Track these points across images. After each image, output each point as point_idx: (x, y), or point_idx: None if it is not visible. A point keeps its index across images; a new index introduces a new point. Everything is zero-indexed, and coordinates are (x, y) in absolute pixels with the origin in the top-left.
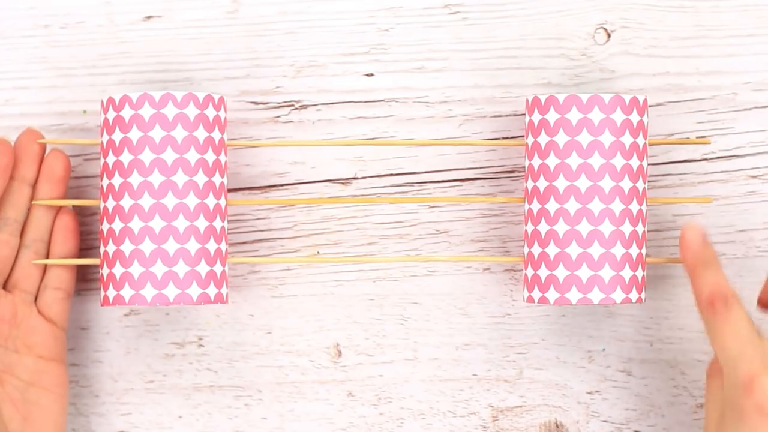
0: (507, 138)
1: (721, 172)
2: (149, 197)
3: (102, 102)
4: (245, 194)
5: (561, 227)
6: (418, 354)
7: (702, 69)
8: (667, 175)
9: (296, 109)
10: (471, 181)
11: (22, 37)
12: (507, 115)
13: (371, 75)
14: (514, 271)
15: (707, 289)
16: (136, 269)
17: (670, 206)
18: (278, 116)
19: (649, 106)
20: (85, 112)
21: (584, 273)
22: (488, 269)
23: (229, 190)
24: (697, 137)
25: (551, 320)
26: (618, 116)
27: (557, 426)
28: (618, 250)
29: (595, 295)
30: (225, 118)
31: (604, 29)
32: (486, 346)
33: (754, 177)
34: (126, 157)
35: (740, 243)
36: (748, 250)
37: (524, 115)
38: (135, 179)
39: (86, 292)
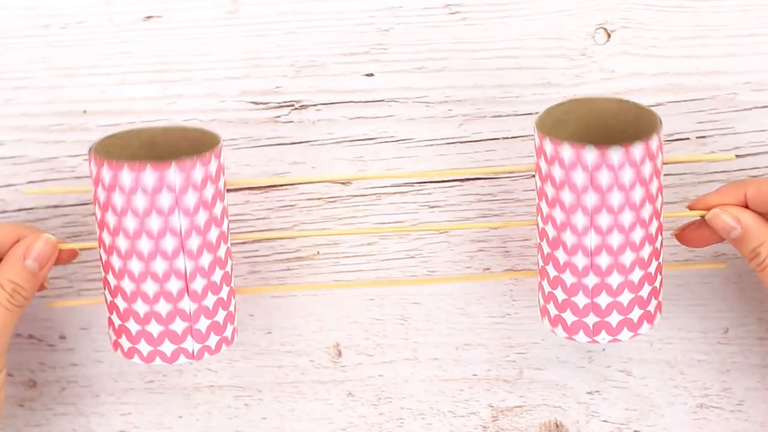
0: (507, 138)
1: (721, 172)
2: (162, 260)
3: (104, 172)
4: (245, 194)
5: (568, 278)
6: (418, 354)
7: (702, 69)
8: (668, 175)
9: (296, 109)
10: (471, 181)
11: (22, 37)
12: (507, 115)
13: (371, 75)
14: (514, 271)
15: None
16: (154, 328)
17: (672, 209)
18: (278, 116)
19: (649, 106)
20: (85, 112)
21: (591, 320)
22: (488, 269)
23: (229, 191)
24: (696, 137)
25: None
26: (626, 173)
27: (557, 426)
28: (625, 297)
29: (603, 338)
30: (222, 162)
31: (604, 29)
32: (486, 346)
33: (754, 177)
34: (131, 222)
35: None
36: None
37: (524, 115)
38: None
39: (86, 292)
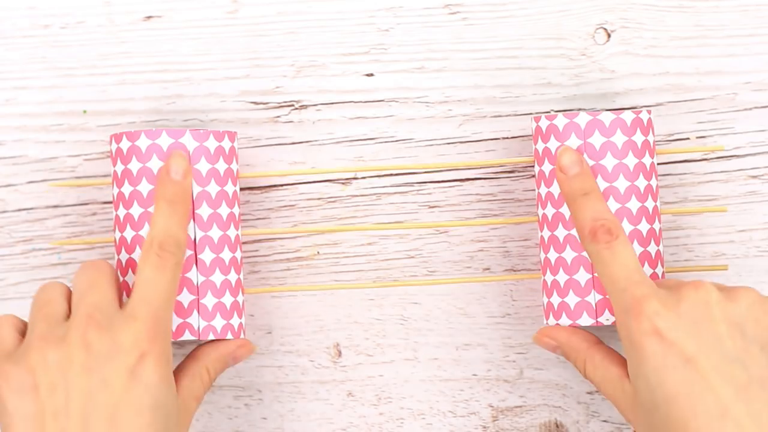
0: (507, 138)
1: (721, 172)
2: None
3: (120, 149)
4: (245, 194)
5: (569, 254)
6: (418, 354)
7: (702, 69)
8: (667, 175)
9: (296, 109)
10: (471, 181)
11: (22, 37)
12: (507, 115)
13: (371, 75)
14: (514, 271)
15: (589, 219)
16: None
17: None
18: (278, 116)
19: (649, 106)
20: (85, 112)
21: (593, 298)
22: (488, 269)
23: None
24: (696, 137)
25: None
26: (619, 138)
27: (557, 426)
28: None
29: (606, 318)
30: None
31: (604, 29)
32: (486, 346)
33: (754, 177)
34: (145, 187)
35: (740, 243)
36: (748, 250)
37: (524, 115)
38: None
39: None
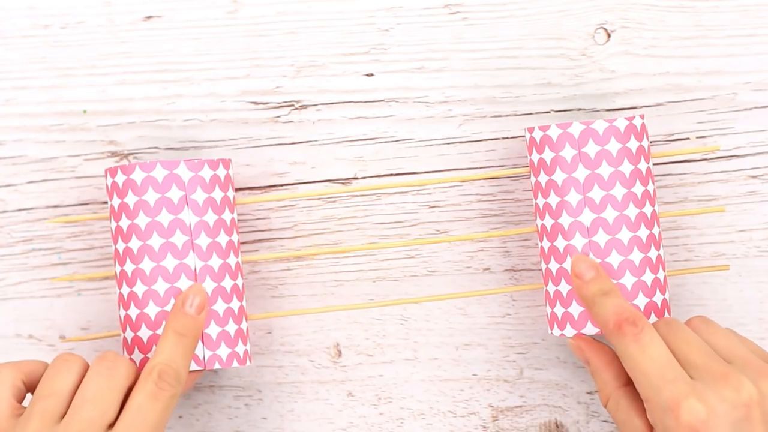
0: (507, 138)
1: (721, 172)
2: (172, 258)
3: (117, 184)
4: (245, 194)
5: (570, 264)
6: (418, 354)
7: (702, 69)
8: (667, 175)
9: (296, 109)
10: (471, 182)
11: (22, 37)
12: (507, 115)
13: (371, 75)
14: (514, 271)
15: (612, 314)
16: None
17: (672, 210)
18: (278, 116)
19: (649, 106)
20: (85, 112)
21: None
22: (488, 269)
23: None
24: (696, 137)
25: None
26: (613, 146)
27: (557, 426)
28: (628, 279)
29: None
30: (229, 175)
31: (604, 29)
32: (486, 346)
33: (754, 177)
34: (142, 220)
35: (740, 243)
36: (748, 250)
37: (524, 115)
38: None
39: (86, 291)
